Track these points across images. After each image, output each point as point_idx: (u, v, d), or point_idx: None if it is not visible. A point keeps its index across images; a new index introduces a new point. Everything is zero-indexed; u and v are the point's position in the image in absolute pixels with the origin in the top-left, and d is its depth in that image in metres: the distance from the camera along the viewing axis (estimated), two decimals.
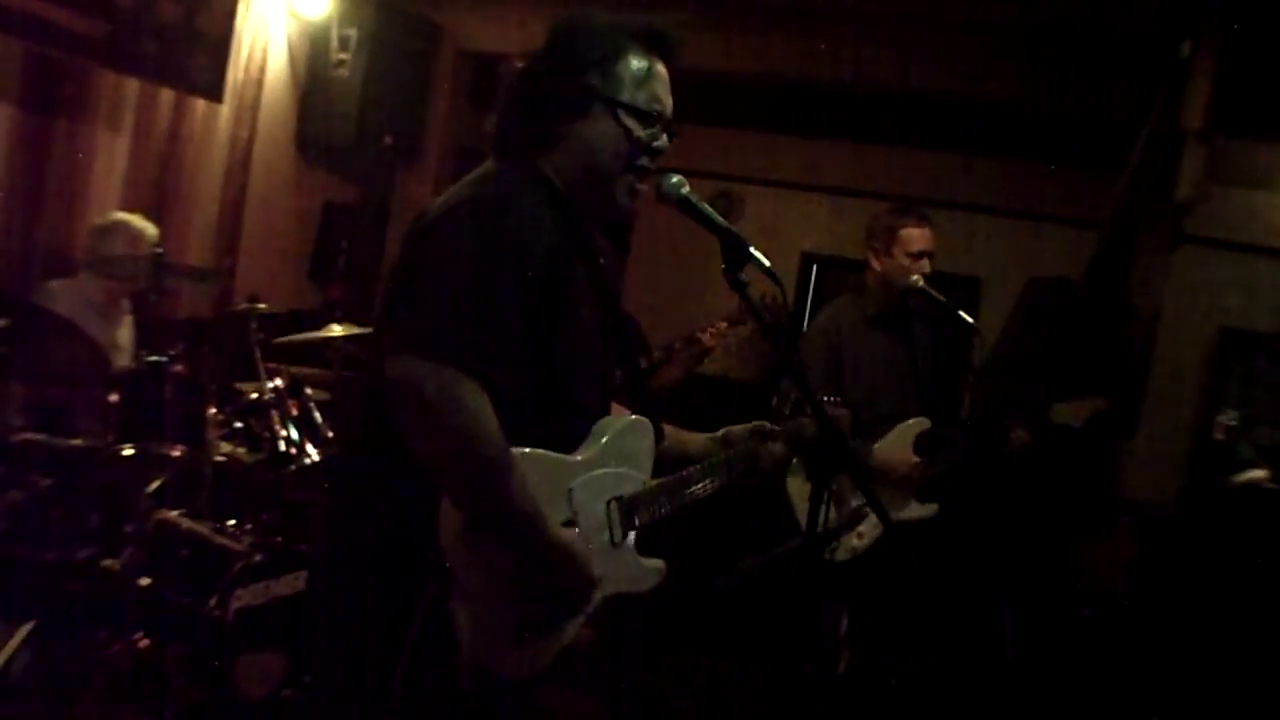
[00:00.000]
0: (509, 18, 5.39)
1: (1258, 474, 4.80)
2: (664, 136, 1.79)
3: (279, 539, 3.12)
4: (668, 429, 1.98)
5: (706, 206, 1.81)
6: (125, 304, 3.85)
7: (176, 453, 3.20)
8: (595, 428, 1.79)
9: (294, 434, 3.45)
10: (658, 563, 1.88)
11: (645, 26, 1.77)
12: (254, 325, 3.66)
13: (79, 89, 4.06)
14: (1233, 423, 5.22)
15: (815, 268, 6.57)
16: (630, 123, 1.74)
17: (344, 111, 5.14)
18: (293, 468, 3.39)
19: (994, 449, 3.30)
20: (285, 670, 2.90)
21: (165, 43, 4.30)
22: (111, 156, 4.24)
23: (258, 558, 2.92)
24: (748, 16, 5.12)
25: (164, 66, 4.33)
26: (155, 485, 3.23)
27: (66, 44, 3.90)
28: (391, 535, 1.63)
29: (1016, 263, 5.69)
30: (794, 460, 2.18)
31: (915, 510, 3.29)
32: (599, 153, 1.74)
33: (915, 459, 3.24)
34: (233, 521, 3.19)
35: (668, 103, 1.79)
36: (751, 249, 1.79)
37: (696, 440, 2.08)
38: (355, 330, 3.78)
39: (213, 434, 3.33)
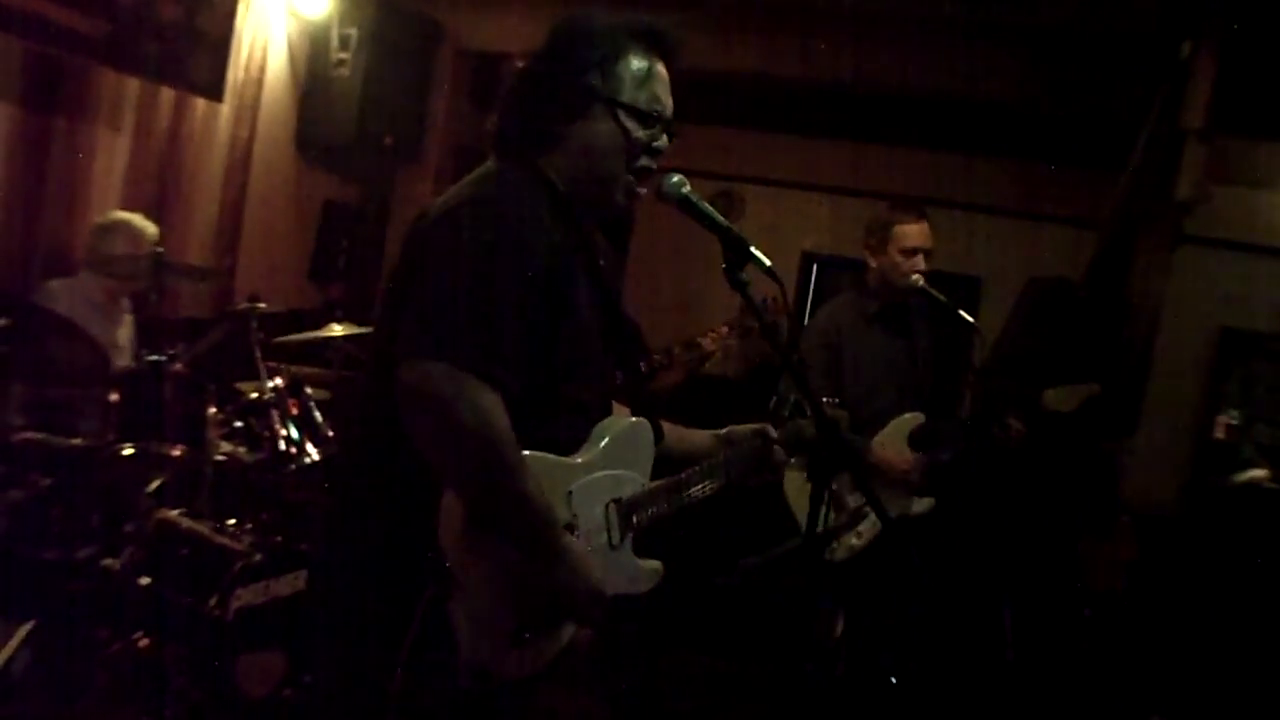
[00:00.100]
0: (509, 17, 5.39)
1: (1258, 473, 4.81)
2: (664, 137, 1.79)
3: (279, 538, 3.12)
4: (669, 426, 1.98)
5: (707, 206, 1.81)
6: (125, 303, 3.85)
7: (177, 452, 3.20)
8: (595, 430, 1.79)
9: (294, 433, 3.45)
10: (655, 564, 1.88)
11: (645, 27, 1.77)
12: (254, 325, 3.66)
13: (79, 88, 4.06)
14: (1235, 422, 5.23)
15: (815, 267, 6.58)
16: (630, 123, 1.74)
17: (344, 111, 5.14)
18: (293, 467, 3.39)
19: (989, 439, 3.29)
20: (285, 670, 2.91)
21: (165, 42, 4.30)
22: (112, 156, 4.24)
23: (258, 557, 2.92)
24: (748, 16, 5.12)
25: (164, 66, 4.32)
26: (155, 485, 3.23)
27: (67, 43, 3.90)
28: (391, 535, 1.63)
29: (1016, 263, 5.69)
30: (791, 460, 2.18)
31: (912, 505, 3.29)
32: (599, 153, 1.74)
33: (909, 455, 3.24)
34: (233, 521, 3.19)
35: (668, 103, 1.79)
36: (752, 248, 1.79)
37: (698, 438, 2.08)
38: (355, 330, 3.78)
39: (213, 433, 3.33)
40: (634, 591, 1.84)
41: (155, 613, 2.90)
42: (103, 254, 3.69)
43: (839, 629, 3.37)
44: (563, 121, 1.74)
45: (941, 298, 3.25)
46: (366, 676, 1.64)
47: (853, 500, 3.11)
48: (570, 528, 1.68)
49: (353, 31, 5.12)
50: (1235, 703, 3.96)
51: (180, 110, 4.53)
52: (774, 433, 2.10)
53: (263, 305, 3.72)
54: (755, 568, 3.14)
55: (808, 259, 6.55)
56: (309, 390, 3.61)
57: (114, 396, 3.13)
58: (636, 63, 1.75)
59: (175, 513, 3.13)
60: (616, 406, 1.91)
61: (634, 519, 1.81)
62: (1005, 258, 5.94)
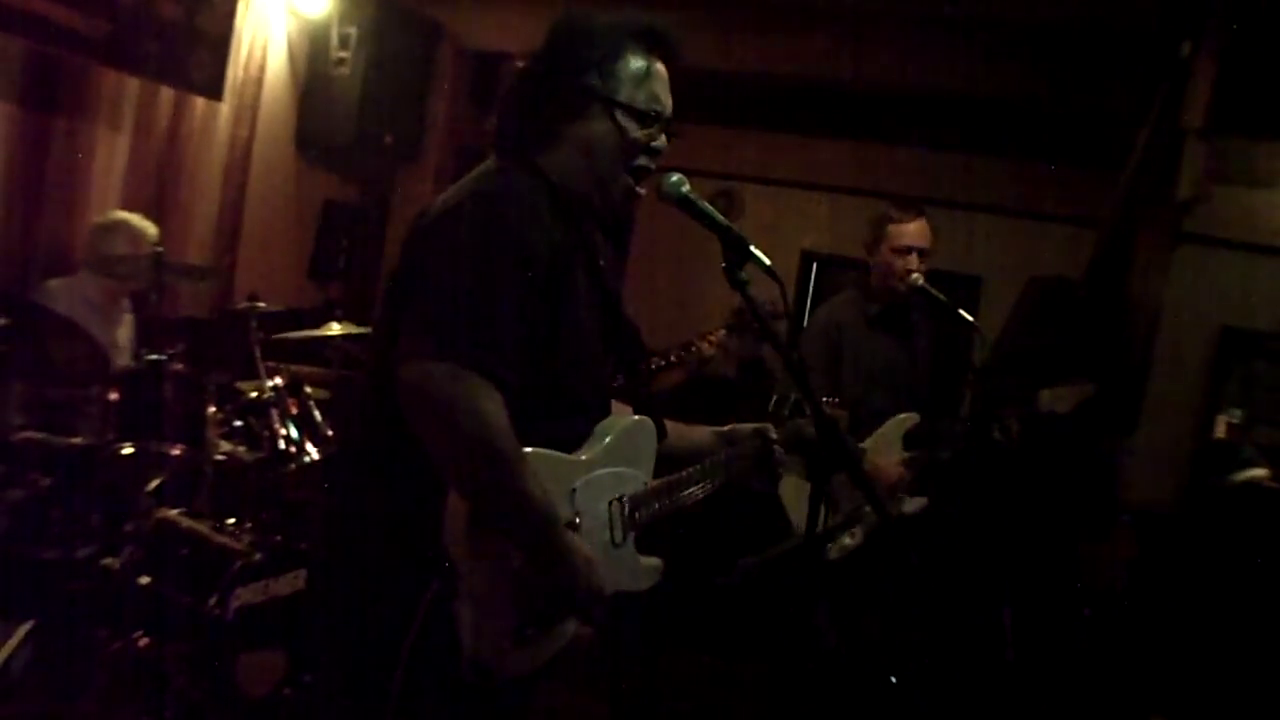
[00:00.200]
0: (509, 17, 5.39)
1: (1258, 473, 4.81)
2: (663, 136, 1.79)
3: (279, 538, 3.11)
4: (670, 424, 1.98)
5: (706, 205, 1.81)
6: (125, 303, 3.86)
7: (176, 451, 3.20)
8: (598, 428, 1.79)
9: (294, 433, 3.45)
10: (656, 561, 1.89)
11: (644, 26, 1.77)
12: (254, 324, 3.66)
13: (79, 87, 4.06)
14: (1236, 421, 5.23)
15: (815, 266, 6.58)
16: (627, 122, 1.74)
17: (344, 110, 5.15)
18: (292, 466, 3.39)
19: (988, 441, 3.29)
20: (285, 669, 2.91)
21: (165, 41, 4.30)
22: (111, 155, 4.24)
23: (258, 556, 2.92)
24: (747, 16, 5.12)
25: (164, 65, 4.33)
26: (155, 484, 3.23)
27: (67, 42, 3.90)
28: (392, 534, 1.63)
29: (1017, 262, 5.69)
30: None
31: (905, 505, 3.29)
32: (596, 153, 1.74)
33: (903, 456, 3.24)
34: (232, 520, 3.19)
35: (667, 102, 1.79)
36: (752, 247, 1.79)
37: (699, 435, 2.08)
38: (354, 329, 3.78)
39: (212, 433, 3.33)
40: (635, 589, 1.84)
41: (155, 612, 2.90)
42: (103, 254, 3.69)
43: (832, 628, 3.37)
44: (560, 121, 1.74)
45: (941, 297, 3.25)
46: (368, 675, 1.64)
47: (848, 501, 3.10)
48: (573, 525, 1.68)
49: (352, 31, 5.12)
50: (1235, 703, 3.96)
51: (180, 110, 4.54)
52: (774, 433, 2.10)
53: (262, 305, 3.72)
54: (755, 568, 3.13)
55: (807, 258, 6.55)
56: (308, 389, 3.61)
57: (114, 396, 3.14)
58: (635, 62, 1.75)
59: (175, 512, 3.13)
60: (617, 406, 1.91)
61: (636, 516, 1.82)
62: (1005, 257, 5.94)
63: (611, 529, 1.77)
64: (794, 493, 3.15)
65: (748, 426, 2.11)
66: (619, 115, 1.73)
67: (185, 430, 3.25)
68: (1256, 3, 3.96)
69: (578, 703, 3.37)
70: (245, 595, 2.85)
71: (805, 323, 4.47)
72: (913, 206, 3.33)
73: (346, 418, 3.60)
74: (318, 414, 3.56)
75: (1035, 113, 5.22)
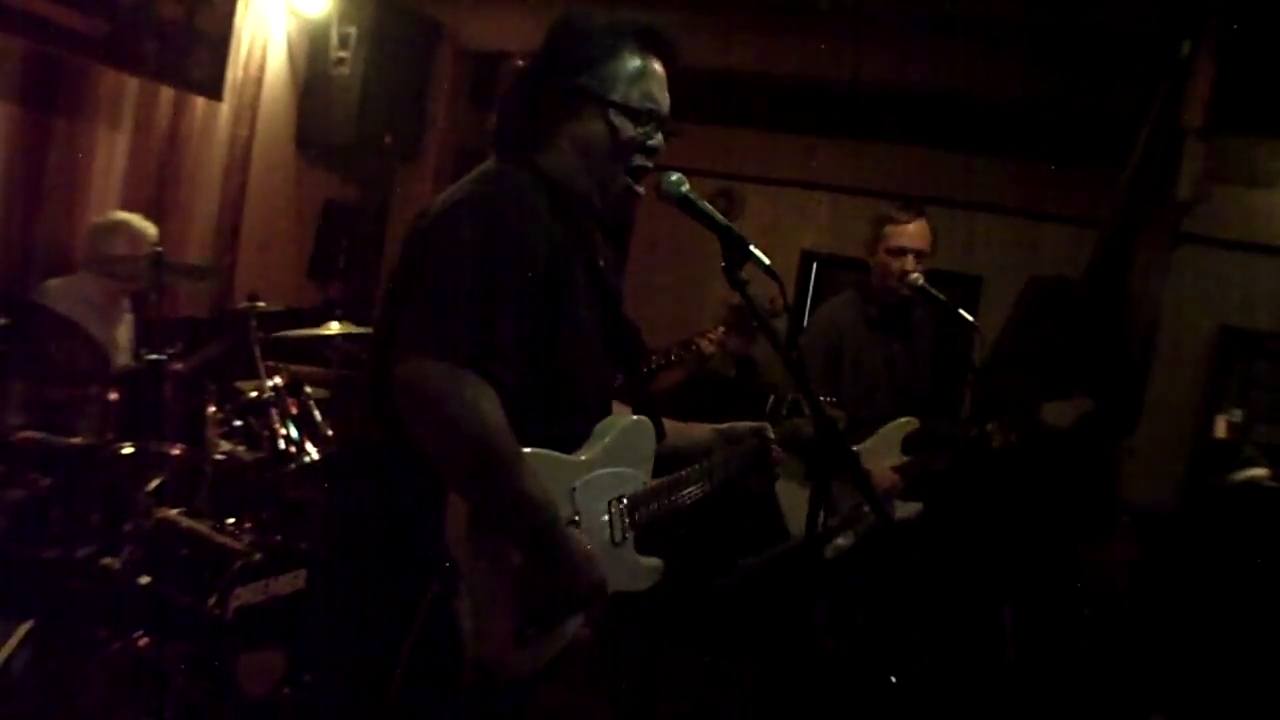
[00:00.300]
0: (509, 17, 5.40)
1: (1258, 472, 4.81)
2: (659, 135, 1.79)
3: (279, 537, 3.12)
4: (669, 423, 1.98)
5: (706, 205, 1.81)
6: (125, 303, 3.85)
7: (176, 451, 3.20)
8: (597, 428, 1.79)
9: (293, 432, 3.45)
10: (656, 561, 1.89)
11: (640, 25, 1.77)
12: (254, 324, 3.66)
13: (79, 87, 4.06)
14: (1237, 420, 5.23)
15: (815, 266, 6.59)
16: (621, 122, 1.74)
17: (344, 111, 5.15)
18: (292, 466, 3.39)
19: (977, 449, 3.29)
20: (285, 668, 2.91)
21: (165, 41, 4.30)
22: (111, 155, 4.24)
23: (257, 556, 2.92)
24: (747, 16, 5.12)
25: (164, 65, 4.32)
26: (155, 484, 3.22)
27: (66, 42, 3.90)
28: (394, 533, 1.63)
29: (1017, 262, 5.69)
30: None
31: (898, 510, 3.28)
32: (592, 152, 1.75)
33: (894, 466, 3.24)
34: (232, 520, 3.19)
35: (663, 100, 1.79)
36: (751, 247, 1.79)
37: (698, 433, 2.08)
38: (355, 329, 3.78)
39: (212, 432, 3.33)
40: (635, 589, 1.84)
41: (155, 612, 2.90)
42: (102, 254, 3.69)
43: (831, 628, 3.37)
44: (557, 121, 1.75)
45: (941, 297, 3.24)
46: (368, 676, 1.64)
47: (845, 502, 3.09)
48: (573, 524, 1.68)
49: (352, 30, 5.12)
50: (1235, 702, 3.95)
51: (180, 109, 4.53)
52: (772, 432, 2.10)
53: (262, 304, 3.72)
54: (755, 568, 3.13)
55: (807, 258, 6.55)
56: (308, 389, 3.61)
57: (114, 396, 3.13)
58: (630, 61, 1.75)
59: (175, 512, 3.13)
60: (617, 406, 1.91)
61: (636, 516, 1.82)
62: (1005, 257, 5.94)
63: (611, 529, 1.77)
64: (788, 493, 3.15)
65: (745, 426, 2.11)
66: (613, 114, 1.73)
67: (185, 430, 3.25)
68: (1256, 3, 3.96)
69: (578, 703, 3.37)
70: (245, 595, 2.85)
71: (805, 323, 4.46)
72: (912, 207, 3.32)
73: (346, 418, 3.60)
74: (318, 414, 3.56)
75: (1035, 113, 5.22)
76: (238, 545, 2.97)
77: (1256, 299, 5.44)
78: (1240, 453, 4.99)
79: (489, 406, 1.50)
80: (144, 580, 2.94)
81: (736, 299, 1.83)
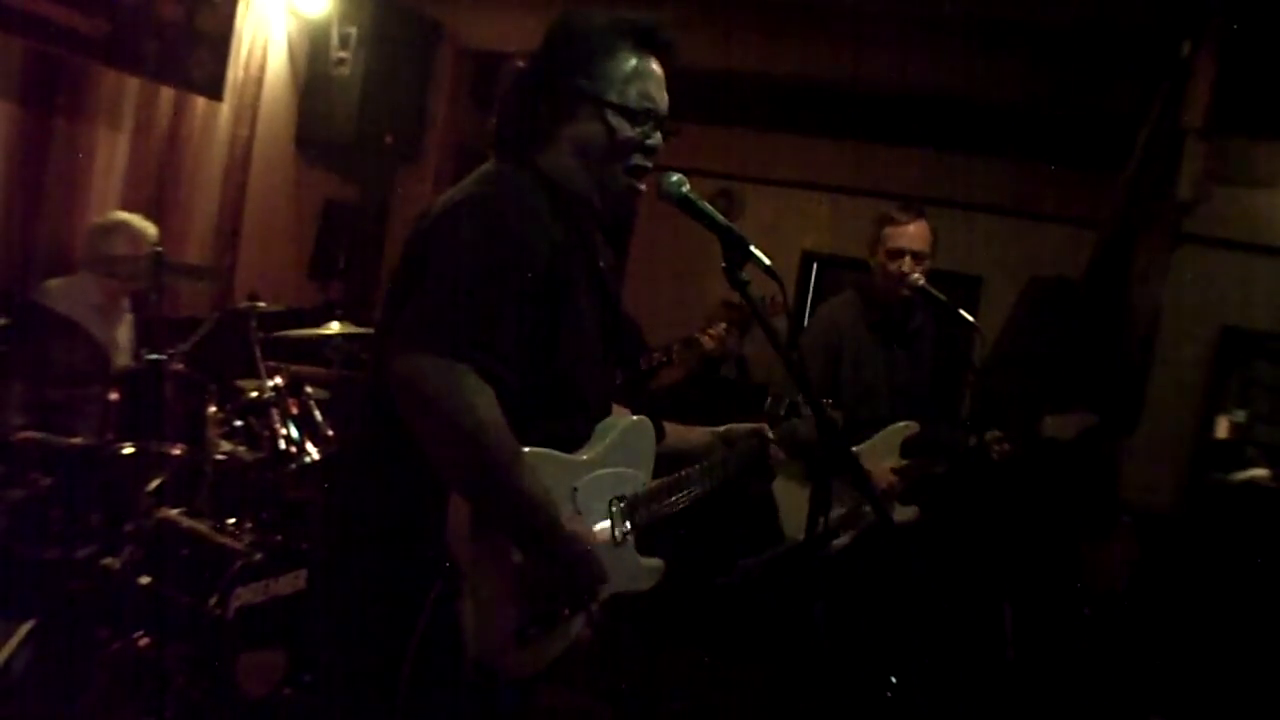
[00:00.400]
0: (509, 16, 5.39)
1: (1258, 472, 4.81)
2: (658, 134, 1.78)
3: (279, 537, 3.12)
4: (669, 425, 1.98)
5: (707, 205, 1.81)
6: (125, 303, 3.85)
7: (177, 451, 3.20)
8: (598, 428, 1.80)
9: (294, 432, 3.45)
10: (657, 562, 1.89)
11: (637, 24, 1.77)
12: (254, 324, 3.66)
13: (79, 87, 4.06)
14: (1239, 420, 5.23)
15: (815, 266, 6.59)
16: (618, 121, 1.73)
17: (344, 110, 5.15)
18: (293, 466, 3.39)
19: (977, 456, 3.28)
20: (285, 669, 2.91)
21: (165, 41, 4.30)
22: (111, 155, 4.24)
23: (258, 556, 2.92)
24: (747, 16, 5.12)
25: (164, 65, 4.33)
26: (155, 484, 3.23)
27: (67, 42, 3.90)
28: (395, 533, 1.63)
29: (1017, 262, 5.69)
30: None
31: (895, 514, 3.28)
32: (590, 152, 1.74)
33: (897, 464, 3.24)
34: (233, 520, 3.19)
35: (661, 100, 1.78)
36: (752, 247, 1.79)
37: (697, 435, 2.09)
38: (355, 329, 3.78)
39: (213, 432, 3.33)
40: (635, 589, 1.84)
41: (155, 612, 2.90)
42: (102, 254, 3.69)
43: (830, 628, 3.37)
44: (555, 122, 1.75)
45: (942, 298, 3.24)
46: (369, 676, 1.64)
47: (842, 502, 3.08)
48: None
49: (352, 30, 5.12)
50: (1235, 703, 3.96)
51: (180, 109, 4.54)
52: (770, 433, 2.10)
53: (262, 304, 3.72)
54: (755, 568, 3.13)
55: (808, 258, 6.55)
56: (309, 389, 3.61)
57: (114, 396, 3.13)
58: (626, 61, 1.75)
59: (175, 512, 3.13)
60: (617, 406, 1.91)
61: (635, 517, 1.82)
62: (1005, 258, 5.94)
63: (612, 529, 1.77)
64: (787, 493, 3.15)
65: (744, 427, 2.12)
66: (609, 115, 1.73)
67: (185, 430, 3.25)
68: (1256, 3, 3.96)
69: (578, 703, 3.37)
70: (245, 595, 2.85)
71: (805, 323, 4.46)
72: (913, 208, 3.31)
73: (347, 417, 3.60)
74: (318, 414, 3.56)
75: (1035, 113, 5.21)
76: (238, 545, 2.97)
77: (1256, 299, 5.43)
78: (1241, 453, 4.99)
79: (485, 402, 1.50)
80: (144, 580, 2.94)
81: (736, 298, 1.83)
